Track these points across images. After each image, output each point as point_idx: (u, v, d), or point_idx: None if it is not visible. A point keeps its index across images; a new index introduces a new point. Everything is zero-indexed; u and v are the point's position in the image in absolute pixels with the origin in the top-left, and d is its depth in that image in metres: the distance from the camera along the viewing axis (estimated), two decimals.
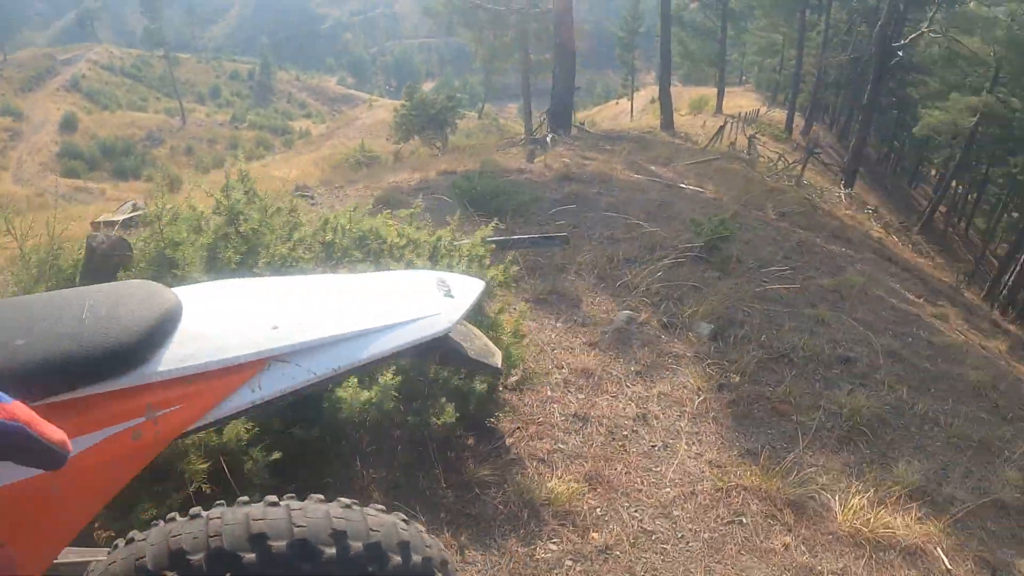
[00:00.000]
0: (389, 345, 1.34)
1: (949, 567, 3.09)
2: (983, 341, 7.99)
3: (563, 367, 4.27)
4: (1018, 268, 21.60)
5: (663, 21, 22.73)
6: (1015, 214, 38.13)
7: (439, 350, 1.49)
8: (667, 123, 23.42)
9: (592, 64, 78.28)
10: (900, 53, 22.82)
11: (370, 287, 1.53)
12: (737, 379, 4.41)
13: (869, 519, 3.13)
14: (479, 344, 1.61)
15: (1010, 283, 22.87)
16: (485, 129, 39.49)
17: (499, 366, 1.61)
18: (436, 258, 3.38)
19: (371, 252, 3.26)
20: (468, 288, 1.55)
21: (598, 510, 2.97)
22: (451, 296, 1.48)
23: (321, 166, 23.44)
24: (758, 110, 34.66)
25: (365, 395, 2.39)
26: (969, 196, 46.05)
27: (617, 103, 52.41)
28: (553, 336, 4.75)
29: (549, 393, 3.91)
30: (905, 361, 5.53)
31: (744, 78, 53.60)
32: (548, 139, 15.51)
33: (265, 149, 52.51)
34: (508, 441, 3.33)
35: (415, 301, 1.44)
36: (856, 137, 22.80)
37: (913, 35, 23.12)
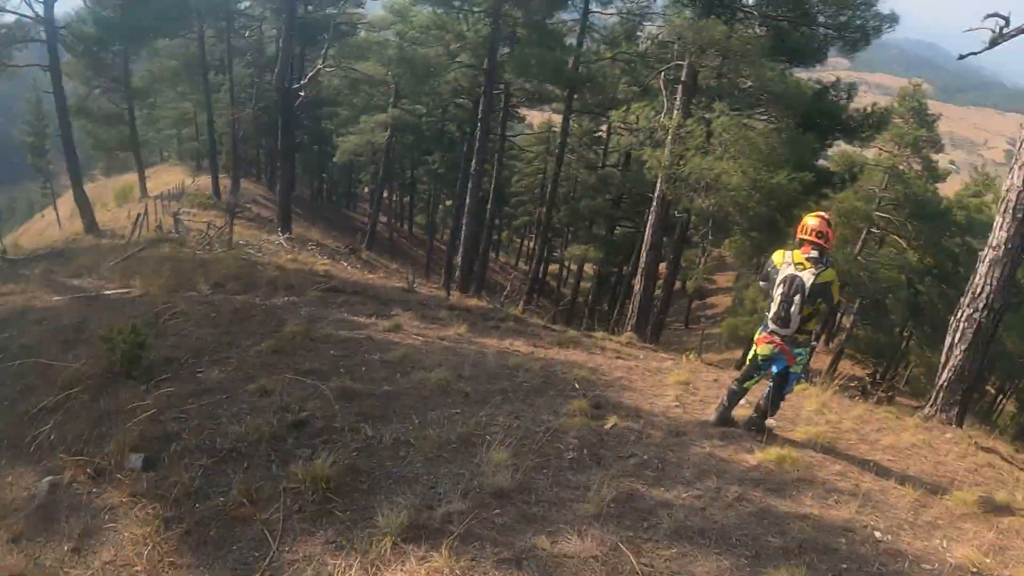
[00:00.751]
0: None
1: None
2: (441, 332, 8.41)
3: None
4: (461, 247, 24.99)
5: (60, 116, 20.17)
6: (448, 203, 44.09)
7: None
8: (90, 225, 21.10)
9: (8, 178, 66.44)
10: (303, 93, 24.27)
11: None
12: (183, 504, 3.84)
13: None
14: None
15: (459, 263, 26.59)
16: None
17: None
18: None
19: None
20: None
21: None
22: None
23: None
24: (183, 183, 33.65)
25: None
26: (403, 200, 52.51)
27: (43, 215, 45.68)
28: None
29: None
30: (362, 395, 5.54)
31: (166, 154, 51.82)
32: None
33: None
34: None
35: None
36: (280, 182, 23.58)
37: (311, 73, 24.82)
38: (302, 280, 11.07)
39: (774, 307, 5.48)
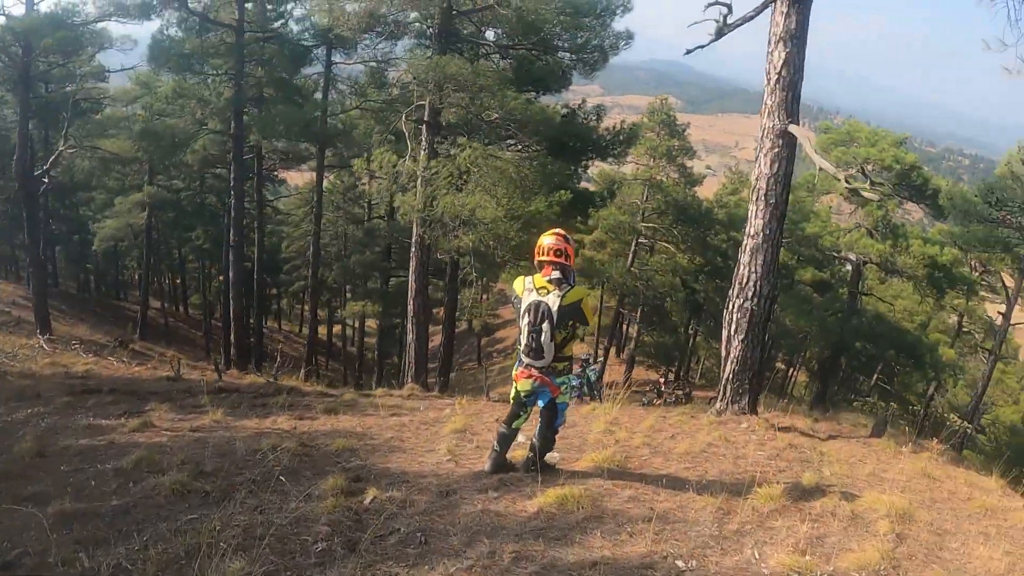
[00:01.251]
0: None
1: None
2: (195, 422, 7.63)
3: None
4: (232, 323, 23.02)
5: None
6: (221, 278, 41.12)
7: None
8: None
9: None
10: (46, 180, 21.43)
11: None
12: None
13: None
14: None
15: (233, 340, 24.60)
16: None
17: None
18: None
19: None
20: None
21: None
22: None
23: None
24: None
25: None
26: (175, 281, 48.69)
27: None
28: None
29: None
30: (85, 517, 4.67)
31: None
32: None
33: None
34: None
35: None
36: (33, 279, 20.87)
37: (52, 157, 21.91)
38: (54, 386, 10.10)
39: (523, 339, 4.97)
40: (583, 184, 22.97)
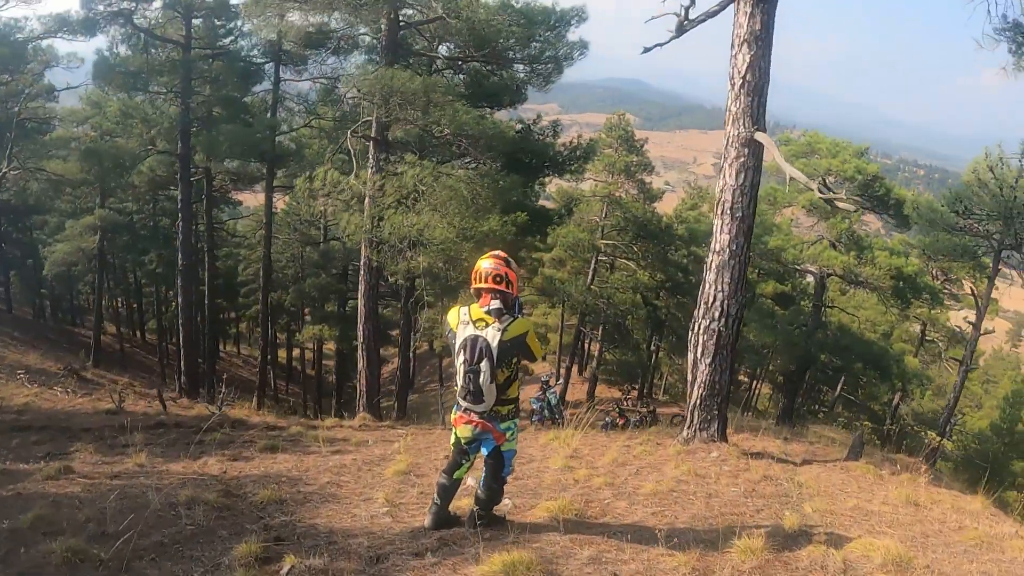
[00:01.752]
0: None
1: None
2: (118, 467, 7.02)
3: None
4: (182, 349, 22.06)
5: None
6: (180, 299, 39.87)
7: None
8: None
9: None
10: None
11: None
12: None
13: None
14: None
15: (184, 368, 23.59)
16: None
17: None
18: None
19: None
20: None
21: None
22: None
23: None
24: None
25: None
26: (132, 305, 47.13)
27: None
28: None
29: None
30: None
31: None
32: None
33: None
34: None
35: None
36: None
37: None
38: None
39: (459, 380, 4.22)
40: (541, 203, 22.48)
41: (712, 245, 8.21)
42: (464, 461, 4.69)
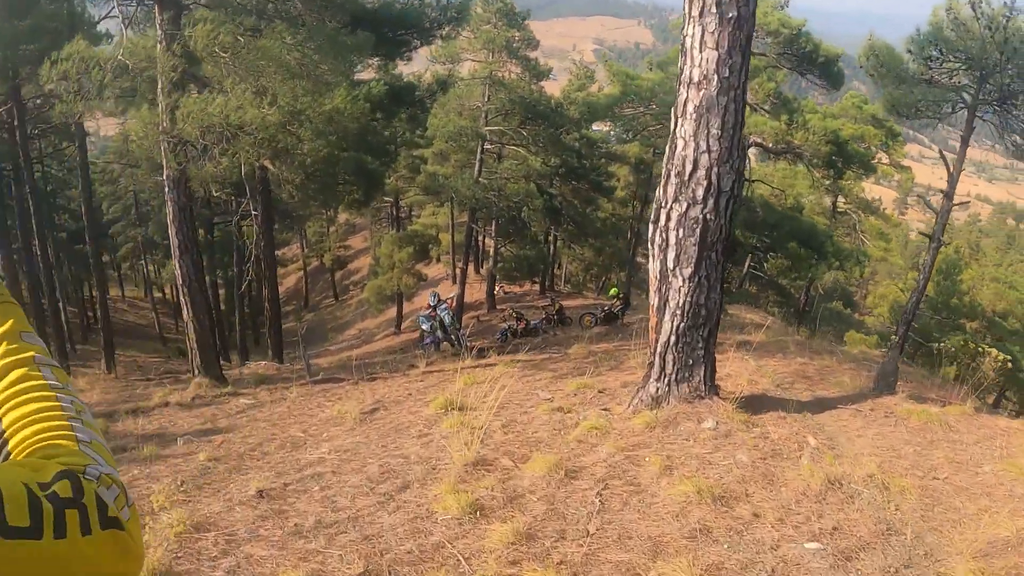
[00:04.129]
0: None
1: None
2: None
3: None
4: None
5: None
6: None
7: None
8: None
9: None
10: None
11: None
12: None
13: None
14: None
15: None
16: None
17: None
18: None
19: None
20: None
21: None
22: None
23: None
24: None
25: None
26: None
27: None
28: None
29: None
30: None
31: None
32: None
33: None
34: None
35: None
36: None
37: None
38: None
39: None
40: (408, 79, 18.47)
41: (684, 73, 4.86)
42: None
